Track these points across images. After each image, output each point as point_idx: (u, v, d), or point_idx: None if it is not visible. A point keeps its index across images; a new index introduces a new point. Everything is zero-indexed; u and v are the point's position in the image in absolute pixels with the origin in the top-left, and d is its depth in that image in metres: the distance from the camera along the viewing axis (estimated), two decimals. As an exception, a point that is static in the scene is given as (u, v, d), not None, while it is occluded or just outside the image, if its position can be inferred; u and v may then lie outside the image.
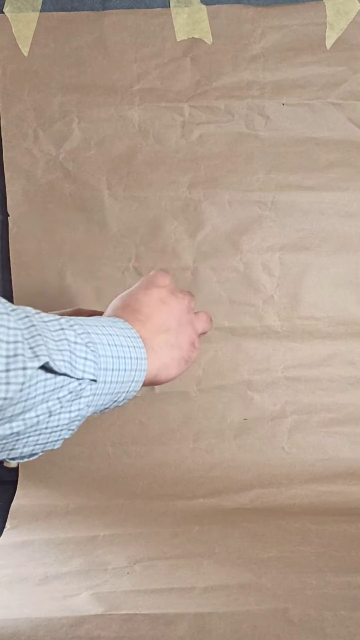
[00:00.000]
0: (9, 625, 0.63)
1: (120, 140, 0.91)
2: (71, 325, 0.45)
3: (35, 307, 1.03)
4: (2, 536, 0.83)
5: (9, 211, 0.94)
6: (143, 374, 0.49)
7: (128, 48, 0.89)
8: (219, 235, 0.92)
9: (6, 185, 0.93)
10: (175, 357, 0.54)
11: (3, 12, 0.88)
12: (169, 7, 0.88)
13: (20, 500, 0.90)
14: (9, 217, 0.94)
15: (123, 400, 0.49)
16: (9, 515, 0.87)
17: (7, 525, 0.85)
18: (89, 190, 0.92)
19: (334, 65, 0.89)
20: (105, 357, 0.46)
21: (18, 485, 0.93)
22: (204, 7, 0.88)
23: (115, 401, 0.49)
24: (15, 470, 0.95)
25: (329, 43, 0.89)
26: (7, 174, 0.93)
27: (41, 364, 0.41)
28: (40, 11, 0.88)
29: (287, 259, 0.93)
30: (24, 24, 0.88)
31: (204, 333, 0.61)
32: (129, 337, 0.49)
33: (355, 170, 0.91)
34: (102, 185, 0.92)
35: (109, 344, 0.47)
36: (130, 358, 0.48)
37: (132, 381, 0.49)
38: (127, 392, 0.48)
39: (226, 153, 0.91)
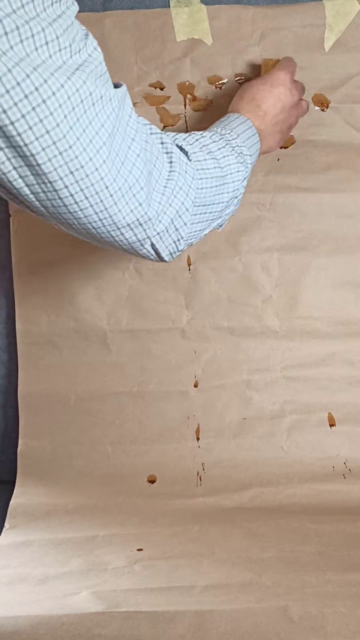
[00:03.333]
0: (9, 624, 0.64)
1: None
2: (227, 140, 0.70)
3: (35, 306, 1.03)
4: (1, 536, 0.83)
5: (10, 210, 0.94)
6: (258, 152, 0.75)
7: (128, 49, 0.89)
8: (218, 236, 0.92)
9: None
10: (278, 140, 0.78)
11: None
12: (169, 7, 0.89)
13: (19, 498, 0.90)
14: (10, 217, 0.94)
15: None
16: (7, 514, 0.87)
17: (6, 524, 0.85)
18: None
19: (332, 68, 0.89)
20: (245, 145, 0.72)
21: (16, 483, 0.93)
22: (204, 7, 0.88)
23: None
24: (15, 469, 0.95)
25: (327, 45, 0.89)
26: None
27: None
28: (41, 12, 0.88)
29: (285, 259, 0.93)
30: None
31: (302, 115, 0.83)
32: (253, 135, 0.73)
33: (353, 172, 0.91)
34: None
35: (245, 139, 0.72)
36: (254, 143, 0.73)
37: (256, 151, 0.74)
38: (252, 155, 0.72)
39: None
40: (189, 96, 0.91)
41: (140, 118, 0.58)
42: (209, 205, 0.65)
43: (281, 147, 0.91)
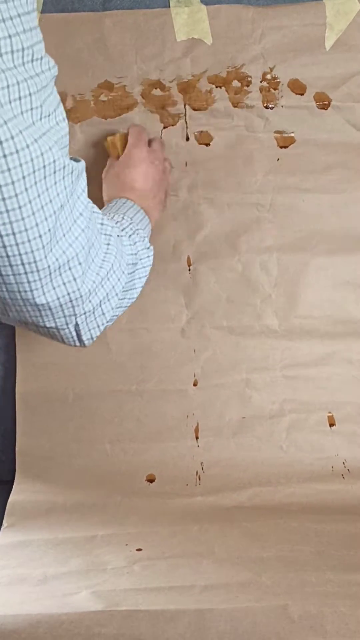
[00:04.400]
0: (9, 622, 0.64)
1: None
2: (126, 232, 0.71)
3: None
4: (0, 535, 0.83)
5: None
6: (150, 229, 0.77)
7: (128, 49, 0.89)
8: (218, 236, 0.93)
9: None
10: (160, 209, 0.84)
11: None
12: (169, 7, 0.89)
13: (17, 496, 0.90)
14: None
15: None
16: (5, 512, 0.87)
17: (4, 523, 0.85)
18: (90, 191, 0.92)
19: (332, 67, 0.89)
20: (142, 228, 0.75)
21: (15, 481, 0.93)
22: (204, 7, 0.88)
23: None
24: (14, 469, 0.95)
25: (328, 44, 0.89)
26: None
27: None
28: (41, 12, 0.88)
29: (285, 259, 0.93)
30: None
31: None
32: (143, 216, 0.77)
33: (353, 172, 0.91)
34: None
35: (138, 222, 0.75)
36: (146, 224, 0.77)
37: (149, 231, 0.77)
38: (147, 236, 0.75)
39: (225, 155, 0.92)
40: (189, 96, 0.91)
41: (87, 198, 0.58)
42: (129, 290, 0.67)
43: (281, 147, 0.91)
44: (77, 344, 0.63)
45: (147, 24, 0.89)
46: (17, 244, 0.50)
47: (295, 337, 0.94)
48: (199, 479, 0.92)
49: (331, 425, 0.93)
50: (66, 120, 0.52)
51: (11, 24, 0.45)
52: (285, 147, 0.91)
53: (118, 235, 0.65)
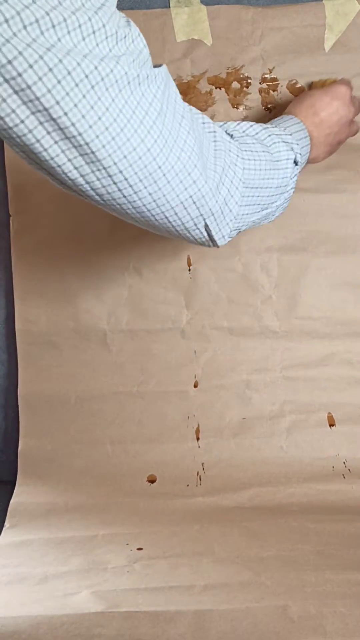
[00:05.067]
0: (10, 624, 0.64)
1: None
2: (278, 134, 0.70)
3: (35, 306, 1.04)
4: (1, 535, 0.83)
5: (10, 210, 0.94)
6: (307, 155, 0.76)
7: (128, 49, 0.89)
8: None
9: (7, 184, 0.93)
10: (326, 151, 0.80)
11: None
12: (169, 7, 0.89)
13: (19, 497, 0.90)
14: (10, 217, 0.95)
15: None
16: (7, 513, 0.88)
17: (6, 524, 0.85)
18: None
19: (332, 68, 0.89)
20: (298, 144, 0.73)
21: (17, 483, 0.93)
22: (204, 7, 0.88)
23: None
24: (15, 469, 0.96)
25: (327, 45, 0.89)
26: (8, 174, 0.93)
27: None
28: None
29: (285, 259, 0.93)
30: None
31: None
32: (305, 136, 0.74)
33: (353, 172, 0.91)
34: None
35: (298, 139, 0.73)
36: (305, 144, 0.74)
37: (306, 153, 0.75)
38: (302, 155, 0.73)
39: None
40: (189, 97, 0.91)
41: (182, 100, 0.58)
42: (257, 188, 0.65)
43: None
44: (210, 244, 0.64)
45: (147, 24, 0.89)
46: (131, 165, 0.52)
47: (295, 337, 0.94)
48: (200, 479, 0.93)
49: (331, 425, 0.94)
50: (141, 35, 0.53)
51: None
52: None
53: (226, 131, 0.64)
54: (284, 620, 0.63)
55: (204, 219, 0.60)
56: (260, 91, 0.90)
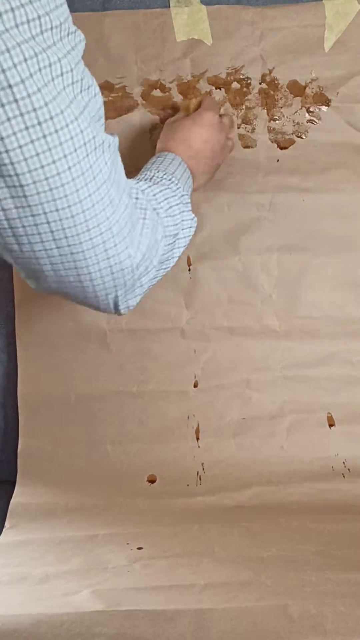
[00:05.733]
0: (10, 622, 0.64)
1: (121, 142, 0.92)
2: (174, 191, 0.70)
3: (35, 306, 1.04)
4: (1, 535, 0.83)
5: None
6: (189, 188, 0.75)
7: (128, 49, 0.89)
8: (218, 236, 0.93)
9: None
10: (205, 180, 0.80)
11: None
12: (169, 7, 0.89)
13: (19, 498, 0.90)
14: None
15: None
16: (7, 514, 0.88)
17: (7, 524, 0.86)
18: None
19: (332, 68, 0.90)
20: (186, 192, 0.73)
21: (17, 483, 0.93)
22: (204, 7, 0.88)
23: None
24: (15, 469, 0.96)
25: (327, 45, 0.89)
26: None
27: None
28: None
29: (285, 259, 0.93)
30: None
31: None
32: (189, 177, 0.75)
33: (353, 172, 0.91)
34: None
35: (184, 183, 0.73)
36: (190, 185, 0.75)
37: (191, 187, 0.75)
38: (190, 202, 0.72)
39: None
40: (189, 97, 0.91)
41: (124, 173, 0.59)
42: (167, 260, 0.66)
43: (280, 148, 0.91)
44: (113, 312, 0.63)
45: (147, 25, 0.89)
46: (60, 220, 0.51)
47: (295, 337, 0.94)
48: (200, 479, 0.93)
49: (331, 425, 0.94)
50: (100, 93, 0.52)
51: (39, 4, 0.45)
52: (285, 148, 0.91)
53: (154, 209, 0.64)
54: (284, 620, 0.63)
55: (116, 291, 0.59)
56: (260, 91, 0.91)
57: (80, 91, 0.48)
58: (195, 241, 0.93)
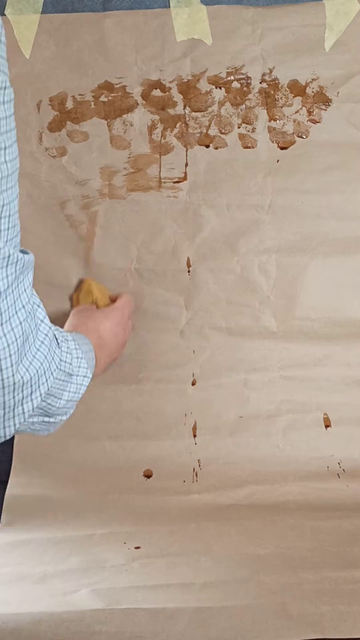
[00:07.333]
0: (10, 620, 0.64)
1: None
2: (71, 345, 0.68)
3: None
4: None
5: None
6: (91, 367, 0.73)
7: (128, 49, 0.89)
8: (217, 237, 0.93)
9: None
10: (103, 369, 0.81)
11: (4, 14, 0.87)
12: (169, 7, 0.89)
13: (14, 489, 0.90)
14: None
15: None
16: (3, 508, 0.88)
17: (2, 520, 0.86)
18: (91, 193, 0.93)
19: (332, 68, 0.90)
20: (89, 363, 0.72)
21: (11, 474, 0.93)
22: (204, 7, 0.88)
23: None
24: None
25: (327, 45, 0.89)
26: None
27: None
28: (41, 13, 0.87)
29: (283, 261, 0.94)
30: (25, 26, 0.88)
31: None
32: (93, 358, 0.75)
33: (353, 173, 0.91)
34: (105, 188, 0.93)
35: (88, 360, 0.72)
36: (93, 365, 0.74)
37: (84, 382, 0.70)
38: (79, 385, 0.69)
39: (225, 156, 0.92)
40: (189, 97, 0.91)
41: (34, 291, 0.59)
42: (52, 396, 0.63)
43: (280, 148, 0.91)
44: None
45: (147, 24, 0.88)
46: None
47: (293, 338, 0.94)
48: (196, 475, 0.93)
49: (327, 426, 0.94)
50: (17, 158, 0.52)
51: None
52: (285, 148, 0.91)
53: (57, 339, 0.63)
54: (283, 617, 0.63)
55: None
56: (260, 91, 0.91)
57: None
58: (194, 242, 0.93)
